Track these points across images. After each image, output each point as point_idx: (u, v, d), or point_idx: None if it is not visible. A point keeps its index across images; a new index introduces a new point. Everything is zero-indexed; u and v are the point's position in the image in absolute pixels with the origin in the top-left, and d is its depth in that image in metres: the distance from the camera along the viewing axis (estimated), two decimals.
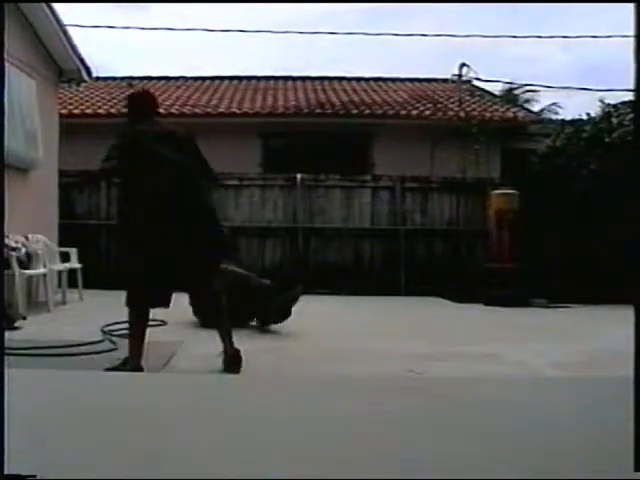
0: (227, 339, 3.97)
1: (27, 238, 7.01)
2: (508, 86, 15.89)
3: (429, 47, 40.96)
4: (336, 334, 5.92)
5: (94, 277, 8.63)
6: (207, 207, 4.09)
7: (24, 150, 7.43)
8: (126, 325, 5.46)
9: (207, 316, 5.12)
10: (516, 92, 16.23)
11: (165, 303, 4.03)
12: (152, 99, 4.33)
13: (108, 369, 3.81)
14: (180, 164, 3.89)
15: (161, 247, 3.80)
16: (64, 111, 11.24)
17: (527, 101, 16.03)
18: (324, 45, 49.22)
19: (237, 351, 3.96)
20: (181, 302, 4.57)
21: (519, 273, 9.04)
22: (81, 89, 11.18)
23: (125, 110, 4.34)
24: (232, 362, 3.90)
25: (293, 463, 2.00)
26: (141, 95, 4.48)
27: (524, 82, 15.89)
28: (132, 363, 3.79)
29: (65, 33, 8.31)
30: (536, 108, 15.15)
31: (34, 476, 1.65)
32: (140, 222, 3.84)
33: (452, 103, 13.27)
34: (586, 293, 8.58)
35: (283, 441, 2.24)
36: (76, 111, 12.47)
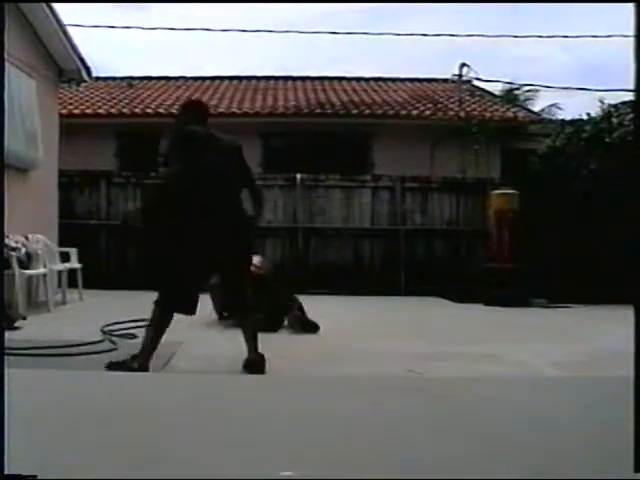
0: (252, 342, 3.97)
1: (27, 238, 7.01)
2: (508, 86, 15.89)
3: (429, 47, 40.91)
4: (336, 334, 5.91)
5: (94, 277, 8.63)
6: (242, 211, 4.10)
7: (24, 150, 7.43)
8: (127, 325, 5.50)
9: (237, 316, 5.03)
10: (516, 92, 16.22)
11: (193, 309, 4.01)
12: (207, 109, 4.44)
13: (111, 363, 3.82)
14: (226, 169, 3.95)
15: (202, 248, 3.82)
16: (64, 111, 11.24)
17: (526, 100, 16.02)
18: (324, 45, 49.19)
19: (261, 356, 3.95)
20: None
21: (519, 273, 9.04)
22: (81, 89, 11.19)
23: (179, 113, 4.41)
24: (255, 367, 3.90)
25: (293, 463, 2.00)
26: (197, 103, 4.73)
27: (524, 82, 15.88)
28: (140, 362, 3.78)
29: (65, 33, 8.31)
30: (536, 108, 15.14)
31: (34, 476, 1.65)
32: (184, 223, 3.84)
33: (452, 103, 13.26)
34: (586, 293, 8.58)
35: (283, 441, 2.24)
36: (76, 111, 12.48)
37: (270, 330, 5.76)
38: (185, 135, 4.02)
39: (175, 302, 3.89)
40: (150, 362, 3.80)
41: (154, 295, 3.88)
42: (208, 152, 3.95)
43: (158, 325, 3.87)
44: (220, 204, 3.92)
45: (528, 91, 15.99)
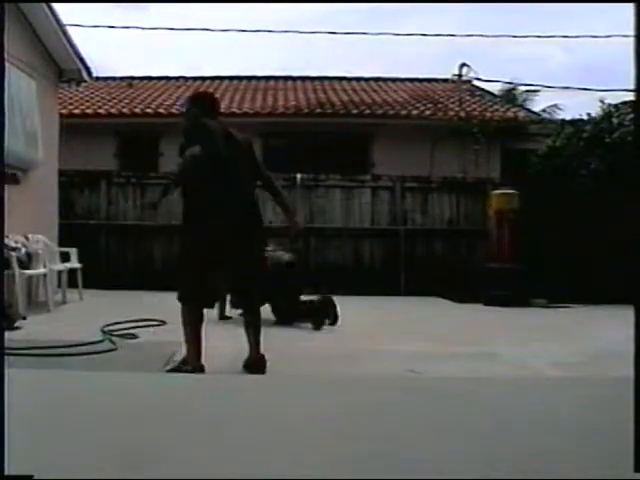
0: (254, 342, 3.96)
1: (27, 238, 7.01)
2: (507, 86, 15.88)
3: (429, 47, 40.95)
4: (336, 334, 5.92)
5: (94, 277, 8.63)
6: (256, 208, 4.06)
7: (24, 150, 7.42)
8: (126, 325, 5.51)
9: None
10: (515, 92, 16.22)
11: (208, 299, 4.04)
12: (217, 101, 4.42)
13: (171, 369, 3.84)
14: (239, 165, 3.91)
15: (225, 247, 3.81)
16: (64, 111, 11.24)
17: (525, 100, 16.01)
18: (324, 45, 49.21)
19: (262, 357, 3.95)
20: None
21: (519, 273, 9.04)
22: (81, 89, 11.20)
23: (188, 107, 4.25)
24: (256, 367, 3.90)
25: (293, 463, 2.00)
26: (206, 95, 4.59)
27: (524, 82, 15.88)
28: (193, 364, 3.79)
29: (65, 33, 8.31)
30: (536, 108, 15.15)
31: (31, 476, 1.65)
32: (209, 222, 3.80)
33: (452, 103, 13.27)
34: (586, 293, 8.59)
35: (283, 441, 2.24)
36: (76, 111, 12.48)
37: (284, 321, 5.93)
38: (198, 128, 3.91)
39: (192, 293, 3.85)
40: (201, 360, 3.81)
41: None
42: (222, 146, 3.86)
43: (193, 326, 3.85)
44: (233, 199, 3.86)
45: (527, 91, 15.99)
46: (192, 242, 3.91)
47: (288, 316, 6.36)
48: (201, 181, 3.83)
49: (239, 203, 3.90)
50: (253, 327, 4.02)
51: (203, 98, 4.41)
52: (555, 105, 14.61)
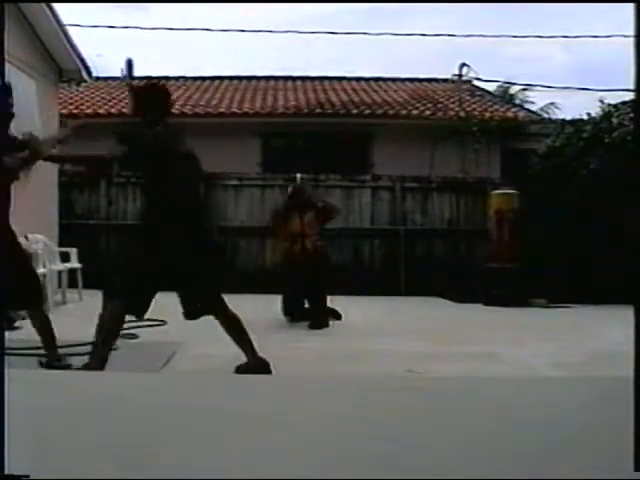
0: (247, 346, 3.79)
1: (27, 238, 7.00)
2: (504, 86, 15.90)
3: (429, 47, 40.98)
4: (336, 334, 5.92)
5: (94, 277, 8.61)
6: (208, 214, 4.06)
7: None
8: (126, 325, 5.48)
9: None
10: (512, 92, 16.24)
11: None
12: (168, 96, 4.05)
13: (86, 364, 3.80)
14: (196, 172, 3.92)
15: (178, 254, 3.68)
16: (64, 111, 11.24)
17: (524, 101, 16.02)
18: (324, 45, 49.23)
19: (264, 363, 3.77)
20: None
21: (519, 273, 9.04)
22: (81, 89, 11.19)
23: (135, 105, 4.08)
24: (260, 373, 3.72)
25: (293, 463, 2.00)
26: (158, 90, 4.07)
27: (522, 81, 15.90)
28: (101, 357, 3.75)
29: (65, 33, 8.31)
30: (535, 108, 15.16)
31: (27, 476, 1.65)
32: (166, 228, 3.70)
33: (452, 103, 13.27)
34: (586, 293, 8.59)
35: (283, 441, 2.24)
36: (76, 111, 12.47)
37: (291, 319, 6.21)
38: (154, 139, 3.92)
39: (140, 306, 3.82)
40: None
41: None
42: (181, 157, 3.88)
43: (112, 330, 3.87)
44: (195, 208, 3.89)
45: (523, 90, 16.01)
46: (153, 245, 3.72)
47: (299, 313, 6.39)
48: (172, 178, 3.76)
49: (197, 207, 3.91)
50: (234, 329, 3.80)
51: (148, 92, 4.08)
52: (552, 103, 14.64)
